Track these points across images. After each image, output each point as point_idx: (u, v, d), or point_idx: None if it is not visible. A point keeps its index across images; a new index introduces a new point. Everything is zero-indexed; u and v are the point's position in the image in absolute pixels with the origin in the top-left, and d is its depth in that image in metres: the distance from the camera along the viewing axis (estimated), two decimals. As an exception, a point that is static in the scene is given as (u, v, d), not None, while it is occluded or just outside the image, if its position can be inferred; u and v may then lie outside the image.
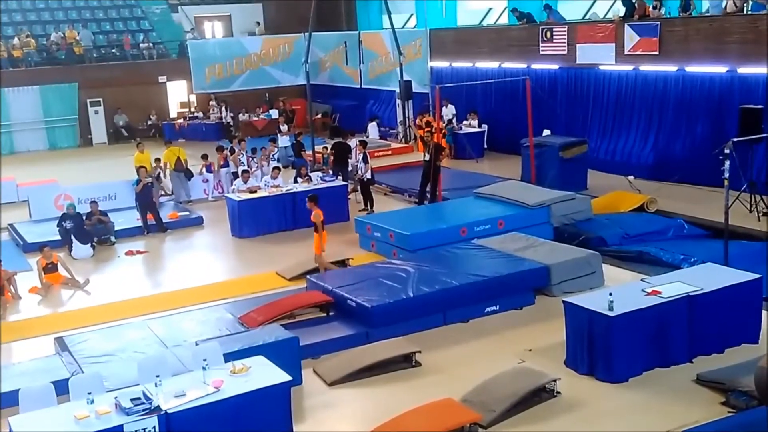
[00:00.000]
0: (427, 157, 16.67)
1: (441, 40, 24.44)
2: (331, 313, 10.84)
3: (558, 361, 9.16)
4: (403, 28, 28.21)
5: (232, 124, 28.62)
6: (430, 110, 21.96)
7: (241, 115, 28.81)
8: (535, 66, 20.53)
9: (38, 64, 28.41)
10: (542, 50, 20.35)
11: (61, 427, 6.76)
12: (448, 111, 22.43)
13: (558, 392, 8.41)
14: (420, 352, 9.52)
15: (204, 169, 19.05)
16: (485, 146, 22.35)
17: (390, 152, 22.25)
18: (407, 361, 9.42)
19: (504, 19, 25.42)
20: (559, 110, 19.96)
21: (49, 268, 13.02)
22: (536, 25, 21.09)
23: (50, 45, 29.30)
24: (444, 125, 20.66)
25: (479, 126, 22.48)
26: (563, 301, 9.38)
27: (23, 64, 28.19)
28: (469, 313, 10.73)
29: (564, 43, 19.69)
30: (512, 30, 22.27)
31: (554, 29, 20.02)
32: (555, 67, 20.17)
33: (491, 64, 22.22)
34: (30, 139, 27.63)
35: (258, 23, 32.89)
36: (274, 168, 17.36)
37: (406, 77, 24.11)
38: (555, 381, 8.44)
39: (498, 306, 10.90)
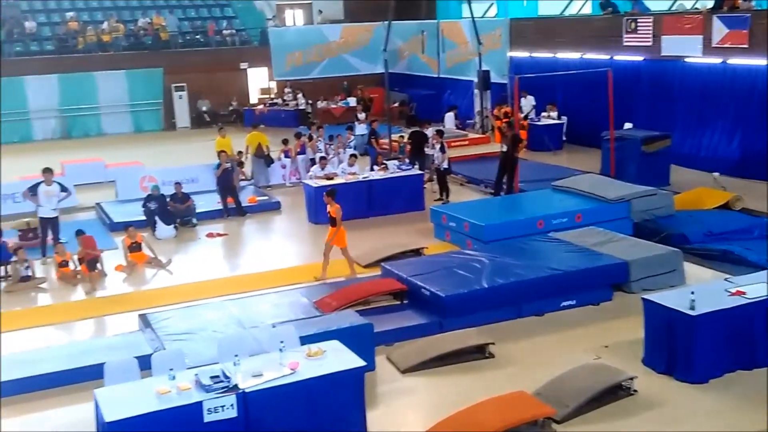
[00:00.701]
0: (505, 148, 16.55)
1: (521, 29, 24.15)
2: (404, 301, 10.91)
3: (635, 359, 9.00)
4: (483, 17, 27.97)
5: (309, 111, 28.94)
6: (509, 101, 21.76)
7: (319, 103, 29.10)
8: (618, 57, 20.10)
9: (126, 49, 29.29)
10: (626, 41, 19.90)
11: (144, 400, 6.98)
12: (527, 102, 22.18)
13: (634, 390, 8.28)
14: (494, 343, 9.50)
15: (282, 155, 19.36)
16: (564, 138, 22.03)
17: (467, 142, 22.14)
18: (480, 352, 9.41)
19: (587, 9, 24.96)
20: (641, 103, 19.51)
21: (134, 247, 13.45)
22: (620, 15, 20.63)
23: (138, 30, 30.17)
24: (522, 116, 20.44)
25: (558, 118, 22.17)
26: (642, 299, 9.20)
27: (112, 49, 29.12)
28: (544, 306, 10.64)
29: (649, 34, 19.22)
30: (595, 20, 21.83)
31: (639, 20, 19.55)
32: (639, 58, 19.71)
33: (572, 55, 21.85)
34: (117, 122, 28.53)
35: (320, 11, 33.12)
36: (351, 155, 17.51)
37: (484, 67, 23.94)
38: (632, 379, 8.31)
39: (574, 301, 10.77)
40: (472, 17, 23.86)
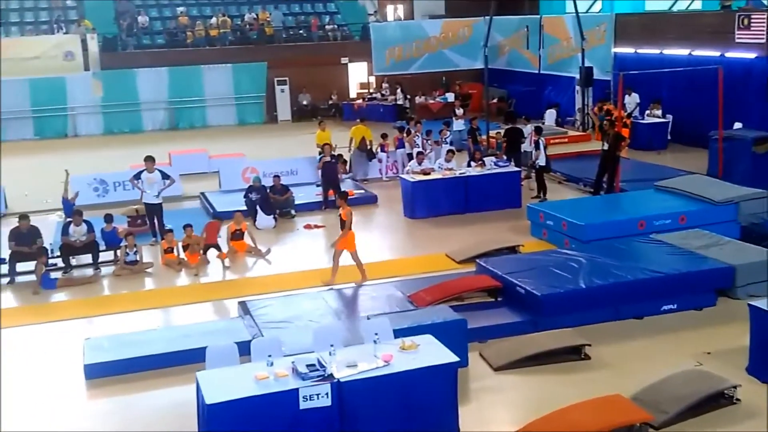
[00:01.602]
0: (606, 147, 16.18)
1: (627, 25, 23.52)
2: (499, 299, 10.84)
3: (739, 367, 8.68)
4: (587, 12, 27.38)
5: (407, 106, 29.03)
6: (612, 98, 21.24)
7: (417, 98, 29.15)
8: (729, 54, 19.31)
9: (232, 44, 30.14)
10: (738, 38, 19.10)
11: (242, 384, 7.19)
12: (631, 100, 21.61)
13: (738, 399, 7.98)
14: (590, 345, 9.33)
15: (379, 149, 19.52)
16: (668, 138, 21.36)
17: (566, 140, 21.76)
18: (576, 353, 9.26)
19: (696, 5, 24.07)
20: (753, 102, 18.70)
21: (237, 235, 13.85)
22: (732, 11, 19.81)
23: (244, 25, 30.98)
24: (626, 114, 19.92)
25: (663, 116, 21.51)
26: (749, 305, 8.85)
27: (219, 43, 30.02)
28: (643, 309, 10.37)
29: (763, 31, 18.39)
30: (705, 16, 21.05)
31: (753, 16, 18.73)
32: (751, 56, 18.88)
33: (680, 52, 21.13)
34: (221, 114, 29.39)
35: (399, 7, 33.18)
36: (449, 151, 17.48)
37: (587, 63, 23.44)
38: (735, 387, 8.02)
39: (675, 305, 10.46)
40: (576, 12, 23.40)
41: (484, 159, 17.00)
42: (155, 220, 14.57)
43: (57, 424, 8.40)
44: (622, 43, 23.52)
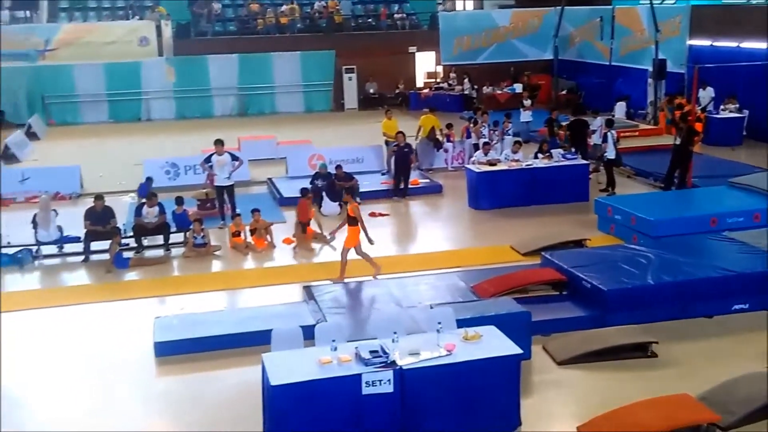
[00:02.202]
0: (679, 141, 15.82)
1: (703, 17, 22.86)
2: (564, 293, 10.73)
3: (813, 371, 8.41)
4: (662, 3, 26.69)
5: (474, 96, 28.85)
6: (686, 92, 20.74)
7: (484, 88, 28.95)
8: (812, 48, 18.65)
9: (301, 32, 30.40)
10: (822, 31, 18.43)
11: (306, 368, 7.31)
12: (706, 94, 21.06)
13: (810, 404, 7.74)
14: (657, 342, 9.17)
15: (445, 139, 19.47)
16: (744, 133, 20.75)
17: (637, 133, 21.38)
18: (642, 350, 9.12)
19: (778, -4, 23.24)
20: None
21: (304, 223, 14.02)
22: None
23: (313, 13, 31.22)
24: (699, 109, 19.43)
25: (739, 111, 20.90)
26: (825, 308, 8.58)
27: (288, 31, 30.32)
28: (713, 308, 10.14)
29: None
30: (788, 8, 20.34)
31: (839, 8, 18.02)
32: (836, 49, 18.20)
33: (759, 45, 20.47)
34: (289, 101, 29.70)
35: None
36: (515, 142, 17.35)
37: (661, 56, 22.92)
38: (808, 392, 7.77)
39: (747, 305, 10.19)
40: (651, 3, 22.90)
41: (552, 151, 16.80)
42: (226, 202, 14.84)
43: (127, 400, 8.68)
44: (697, 36, 22.90)
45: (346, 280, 11.60)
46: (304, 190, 14.47)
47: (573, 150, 17.24)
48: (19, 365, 9.51)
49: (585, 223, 14.27)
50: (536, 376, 8.72)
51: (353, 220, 11.73)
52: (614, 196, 15.32)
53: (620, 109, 23.94)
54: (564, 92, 27.71)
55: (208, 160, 14.88)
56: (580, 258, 11.27)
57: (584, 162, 16.59)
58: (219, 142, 14.95)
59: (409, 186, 17.03)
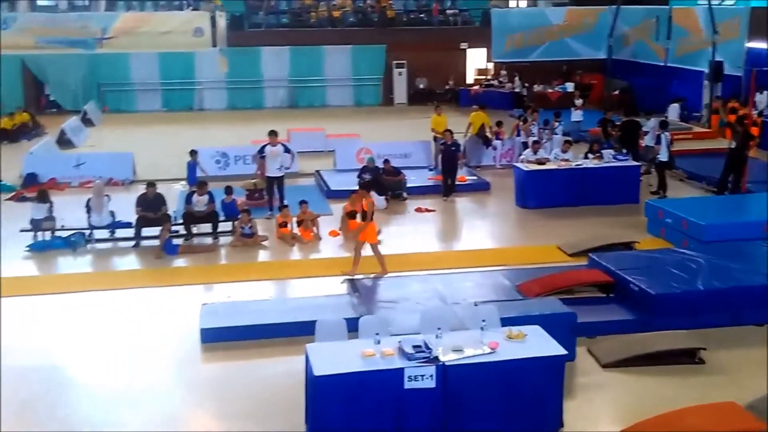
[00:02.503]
0: (734, 145, 15.50)
1: (762, 19, 22.30)
2: (610, 295, 10.60)
3: None
4: (720, 4, 26.14)
5: (525, 94, 28.62)
6: (742, 95, 20.30)
7: (535, 86, 28.70)
8: None
9: (352, 25, 30.48)
10: None
11: (349, 360, 7.34)
12: (763, 98, 20.58)
13: None
14: (705, 349, 9.02)
15: (494, 137, 19.37)
16: (802, 139, 20.23)
17: (690, 136, 20.99)
18: (689, 356, 8.97)
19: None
20: None
21: (351, 215, 14.07)
22: None
23: (366, 8, 31.27)
24: (756, 113, 19.00)
25: (798, 116, 20.39)
26: None
27: (340, 25, 30.43)
28: (764, 316, 9.90)
29: None
30: None
31: None
32: None
33: (822, 49, 19.95)
34: (339, 94, 29.85)
35: None
36: (565, 141, 17.19)
37: (717, 58, 22.45)
38: None
39: (799, 314, 9.96)
40: (709, 4, 22.44)
41: (603, 152, 16.60)
42: (275, 193, 14.98)
43: (171, 384, 8.85)
44: (757, 38, 22.37)
45: (390, 275, 11.62)
46: (365, 184, 14.49)
47: (624, 151, 17.02)
48: (69, 346, 9.75)
49: (634, 225, 14.07)
50: (580, 378, 8.64)
51: (364, 215, 11.76)
52: (665, 199, 15.10)
53: (674, 111, 23.52)
54: (617, 92, 27.32)
55: (261, 150, 15.04)
56: (629, 260, 11.13)
57: (635, 164, 16.36)
58: (273, 133, 15.13)
59: (457, 183, 16.95)
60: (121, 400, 8.43)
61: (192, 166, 16.15)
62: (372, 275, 11.60)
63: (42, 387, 8.67)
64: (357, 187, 15.42)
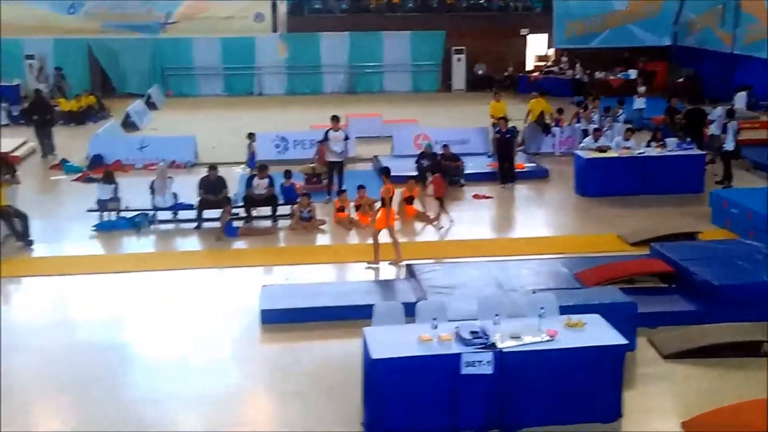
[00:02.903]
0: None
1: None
2: (672, 285, 10.42)
3: None
4: (792, -11, 25.30)
5: (586, 81, 28.17)
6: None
7: (596, 73, 28.23)
8: None
9: (412, 11, 30.36)
10: None
11: (406, 344, 7.39)
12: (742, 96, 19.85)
13: None
14: (769, 342, 8.82)
15: (554, 124, 19.14)
16: None
17: (758, 125, 20.38)
18: (753, 349, 8.77)
19: None
20: None
21: (407, 200, 14.11)
22: None
23: (425, -8, 31.11)
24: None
25: None
26: None
27: (400, 10, 30.34)
28: (832, 311, 9.63)
29: None
30: None
31: None
32: None
33: None
34: (397, 80, 29.83)
35: None
36: (627, 129, 16.88)
37: (789, 44, 21.73)
38: None
39: None
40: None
41: (666, 140, 16.26)
42: (335, 178, 15.07)
43: (231, 362, 9.04)
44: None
45: (447, 261, 11.61)
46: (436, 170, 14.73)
47: (688, 140, 16.65)
48: (132, 323, 10.02)
49: (698, 215, 13.79)
50: (640, 368, 8.53)
51: (384, 202, 11.68)
52: (731, 189, 14.73)
53: (741, 99, 22.88)
54: (681, 80, 26.69)
55: (325, 136, 15.13)
56: (692, 251, 10.92)
57: (700, 152, 15.99)
58: (335, 119, 15.23)
59: (516, 169, 16.79)
60: (181, 376, 8.64)
61: (251, 151, 16.36)
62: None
63: (106, 361, 8.93)
64: (415, 173, 15.54)
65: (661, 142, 16.12)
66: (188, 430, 7.67)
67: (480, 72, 29.88)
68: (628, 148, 15.95)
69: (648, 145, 16.24)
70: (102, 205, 13.81)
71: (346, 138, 15.19)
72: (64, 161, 17.94)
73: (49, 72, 27.37)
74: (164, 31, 28.18)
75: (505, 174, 16.35)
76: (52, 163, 18.29)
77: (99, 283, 11.30)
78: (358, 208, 13.99)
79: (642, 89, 22.66)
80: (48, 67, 27.61)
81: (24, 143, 19.58)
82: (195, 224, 13.67)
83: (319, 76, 29.54)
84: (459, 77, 29.87)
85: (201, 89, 29.10)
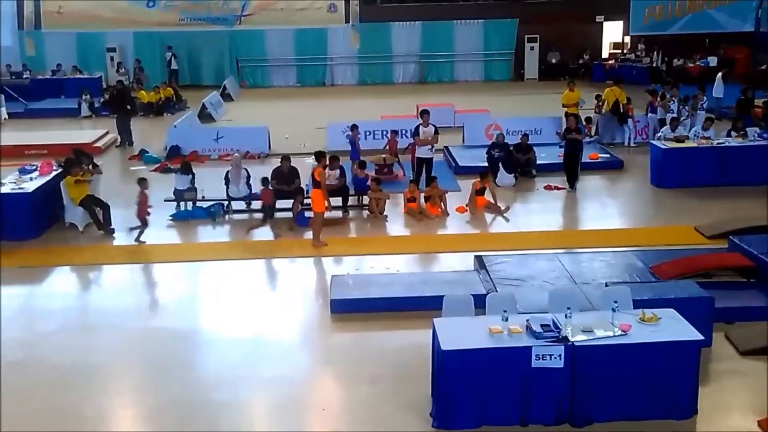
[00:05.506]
0: None
1: None
2: (751, 280, 10.12)
3: None
4: None
5: (663, 68, 27.45)
6: None
7: (675, 61, 27.47)
8: None
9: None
10: None
11: (475, 335, 7.39)
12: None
13: None
14: None
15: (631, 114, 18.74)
16: None
17: None
18: (836, 347, 8.47)
19: None
20: None
21: (479, 192, 14.05)
22: None
23: (498, -19, 30.76)
24: None
25: None
26: None
27: (472, -1, 30.15)
28: None
29: None
30: None
31: None
32: None
33: None
34: (468, 69, 29.66)
35: None
36: (707, 119, 16.42)
37: None
38: None
39: None
40: None
41: (747, 130, 15.74)
42: (423, 173, 14.89)
43: (302, 350, 9.21)
44: None
45: (516, 252, 11.50)
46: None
47: (771, 129, 16.11)
48: (208, 311, 10.30)
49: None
50: (716, 364, 8.33)
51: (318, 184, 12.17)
52: (816, 181, 14.18)
53: (830, 86, 21.96)
54: (764, 67, 25.73)
55: (416, 131, 15.10)
56: (771, 244, 10.57)
57: (782, 142, 15.45)
58: (425, 113, 15.17)
59: (589, 160, 16.36)
60: (253, 363, 8.82)
61: (352, 141, 16.46)
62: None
63: (183, 345, 9.22)
64: (486, 164, 15.44)
65: (743, 132, 15.62)
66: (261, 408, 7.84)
67: (553, 60, 29.44)
68: (707, 138, 15.52)
69: (728, 135, 15.77)
70: (179, 195, 14.16)
71: (436, 132, 15.07)
72: (143, 152, 18.46)
73: (128, 64, 28.16)
74: (239, 23, 28.67)
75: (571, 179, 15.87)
76: (131, 153, 18.86)
77: (176, 271, 11.62)
78: (428, 198, 13.99)
79: (719, 75, 21.92)
80: (127, 60, 28.41)
81: (105, 134, 20.23)
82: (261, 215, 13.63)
83: (390, 65, 29.60)
84: (532, 66, 29.49)
85: (274, 80, 29.51)
